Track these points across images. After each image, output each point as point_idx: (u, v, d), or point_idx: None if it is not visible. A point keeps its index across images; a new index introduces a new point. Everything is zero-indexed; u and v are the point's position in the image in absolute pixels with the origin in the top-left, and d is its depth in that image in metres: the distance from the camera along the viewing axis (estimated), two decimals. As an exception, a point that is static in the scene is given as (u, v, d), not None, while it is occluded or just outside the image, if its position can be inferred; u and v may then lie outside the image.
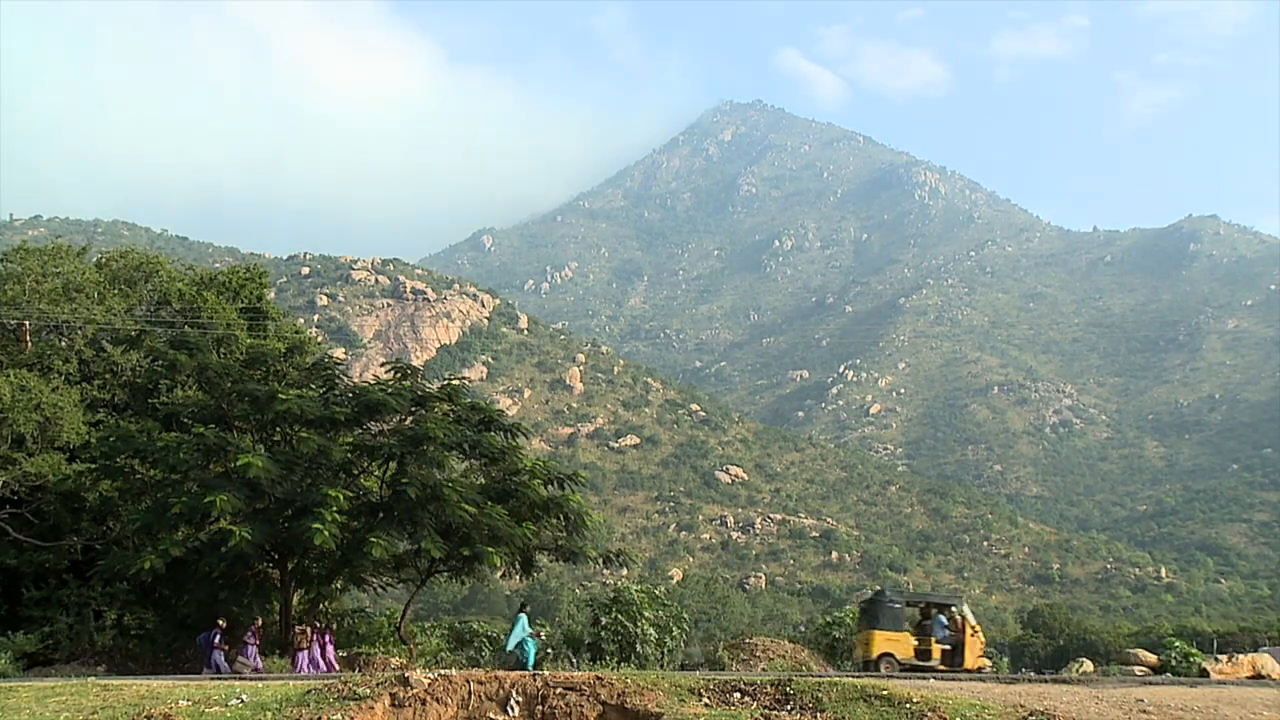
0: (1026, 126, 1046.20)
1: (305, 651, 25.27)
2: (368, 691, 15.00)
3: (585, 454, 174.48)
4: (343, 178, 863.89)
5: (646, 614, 31.68)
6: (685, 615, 37.11)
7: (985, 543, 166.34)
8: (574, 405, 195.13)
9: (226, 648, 24.45)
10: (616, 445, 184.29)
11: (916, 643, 26.88)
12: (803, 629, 78.94)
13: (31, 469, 27.04)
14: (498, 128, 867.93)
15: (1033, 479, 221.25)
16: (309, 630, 25.85)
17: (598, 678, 15.80)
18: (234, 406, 26.90)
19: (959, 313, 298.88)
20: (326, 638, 26.44)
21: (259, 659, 25.16)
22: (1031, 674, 26.78)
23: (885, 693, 15.23)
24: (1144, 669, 30.09)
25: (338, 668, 25.58)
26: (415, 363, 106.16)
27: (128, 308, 34.31)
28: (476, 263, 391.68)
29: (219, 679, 19.16)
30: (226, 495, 23.97)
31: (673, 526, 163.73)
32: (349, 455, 27.32)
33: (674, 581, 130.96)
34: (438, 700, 15.20)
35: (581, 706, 15.17)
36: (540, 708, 15.29)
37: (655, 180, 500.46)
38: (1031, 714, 14.65)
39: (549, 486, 28.14)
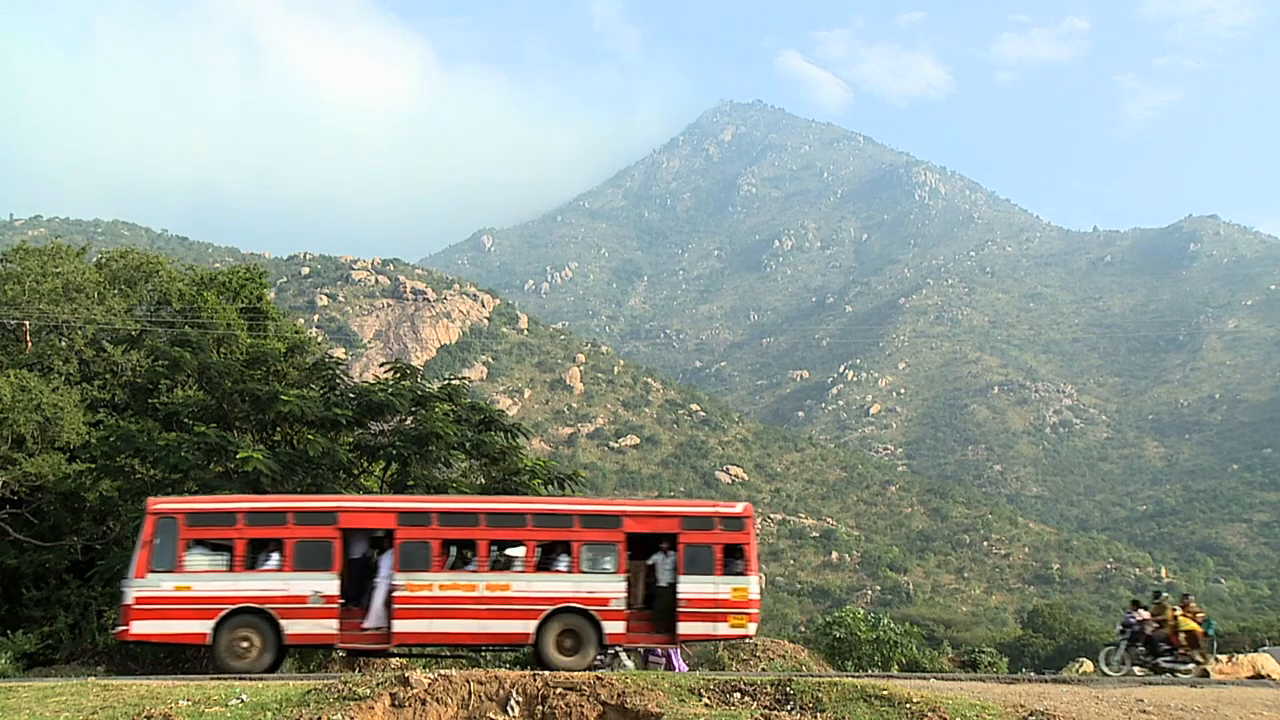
0: (1027, 128, 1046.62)
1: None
2: (368, 691, 14.99)
3: (585, 454, 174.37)
4: (342, 178, 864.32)
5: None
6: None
7: (985, 543, 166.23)
8: (574, 405, 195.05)
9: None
10: (616, 445, 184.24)
11: None
12: (803, 629, 78.89)
13: (31, 469, 27.00)
14: (497, 127, 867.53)
15: (1033, 479, 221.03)
16: None
17: (598, 678, 15.80)
18: (235, 406, 26.92)
19: (959, 313, 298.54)
20: None
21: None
22: (1031, 674, 26.79)
23: (886, 692, 15.24)
24: (1144, 669, 30.03)
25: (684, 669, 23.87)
26: (415, 363, 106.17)
27: (128, 308, 34.22)
28: (476, 263, 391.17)
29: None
30: (226, 494, 23.98)
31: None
32: (350, 455, 27.35)
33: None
34: (438, 700, 15.20)
35: (581, 706, 15.17)
36: (540, 708, 15.29)
37: (655, 180, 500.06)
38: (1031, 714, 14.66)
39: (549, 486, 28.16)
